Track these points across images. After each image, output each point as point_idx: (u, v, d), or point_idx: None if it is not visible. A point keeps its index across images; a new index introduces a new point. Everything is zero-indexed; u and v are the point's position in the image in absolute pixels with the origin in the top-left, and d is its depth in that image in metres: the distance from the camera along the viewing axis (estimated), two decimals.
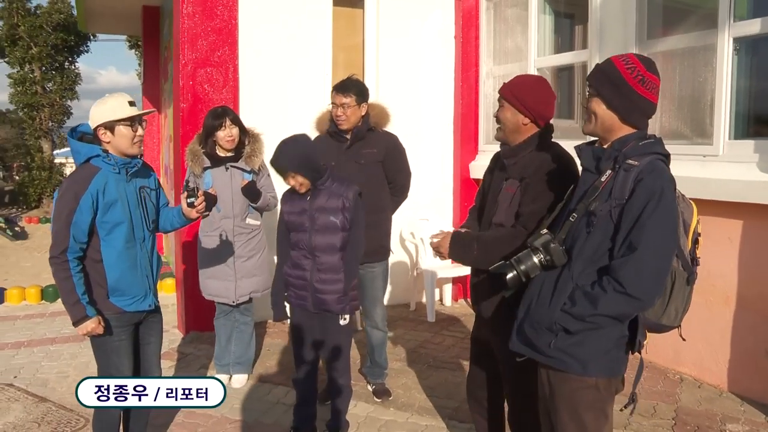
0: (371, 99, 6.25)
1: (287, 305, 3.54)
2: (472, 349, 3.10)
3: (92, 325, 2.86)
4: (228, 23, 5.57)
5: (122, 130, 2.88)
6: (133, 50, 19.85)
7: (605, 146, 2.26)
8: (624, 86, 2.18)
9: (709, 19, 4.36)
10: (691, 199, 2.28)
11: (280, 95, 5.85)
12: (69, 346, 5.31)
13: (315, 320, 3.40)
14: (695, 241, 2.23)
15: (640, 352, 2.25)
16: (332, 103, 3.94)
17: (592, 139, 2.36)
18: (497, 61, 6.57)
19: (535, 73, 5.95)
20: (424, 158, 6.55)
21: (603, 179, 2.19)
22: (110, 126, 2.87)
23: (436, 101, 6.70)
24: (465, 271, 6.21)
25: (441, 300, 6.67)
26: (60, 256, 2.82)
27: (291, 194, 3.43)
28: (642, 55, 2.27)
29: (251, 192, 4.14)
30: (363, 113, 3.97)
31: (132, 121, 2.91)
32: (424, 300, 6.36)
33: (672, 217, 2.10)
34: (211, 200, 3.25)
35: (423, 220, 6.51)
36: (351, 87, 3.91)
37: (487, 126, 6.63)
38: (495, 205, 2.78)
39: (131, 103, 2.93)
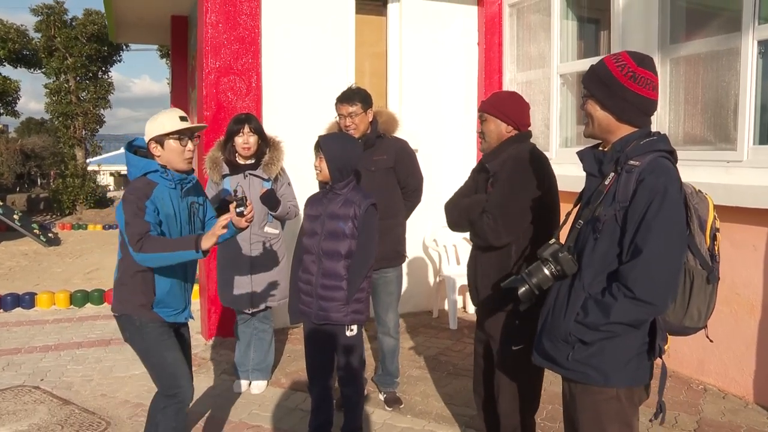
0: (393, 107, 6.34)
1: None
2: (475, 350, 3.19)
3: (213, 235, 2.81)
4: (251, 32, 5.65)
5: (171, 144, 2.91)
6: (164, 59, 20.22)
7: (606, 149, 2.22)
8: (615, 84, 2.13)
9: (733, 22, 4.28)
10: (714, 206, 2.21)
11: (304, 103, 5.90)
12: (94, 351, 5.41)
13: (318, 329, 3.40)
14: (713, 237, 2.16)
15: (661, 358, 2.19)
16: (339, 114, 3.96)
17: (596, 142, 2.32)
18: (520, 67, 6.55)
19: (558, 79, 5.93)
20: (447, 165, 6.54)
21: (606, 183, 2.15)
22: (160, 140, 2.90)
23: (460, 108, 6.70)
24: None
25: (464, 307, 6.64)
26: (142, 238, 2.76)
27: (313, 199, 3.47)
28: (636, 52, 2.21)
29: (270, 200, 4.14)
30: (370, 119, 4.00)
31: (181, 135, 2.93)
32: (446, 307, 6.34)
33: (678, 215, 2.04)
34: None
35: (445, 227, 6.48)
36: (354, 95, 3.93)
37: None
38: None
39: (182, 118, 2.94)
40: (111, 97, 22.03)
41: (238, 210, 3.08)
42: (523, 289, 2.26)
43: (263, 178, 4.21)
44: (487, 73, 6.65)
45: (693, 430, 3.80)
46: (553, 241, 2.27)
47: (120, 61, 22.37)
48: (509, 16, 6.58)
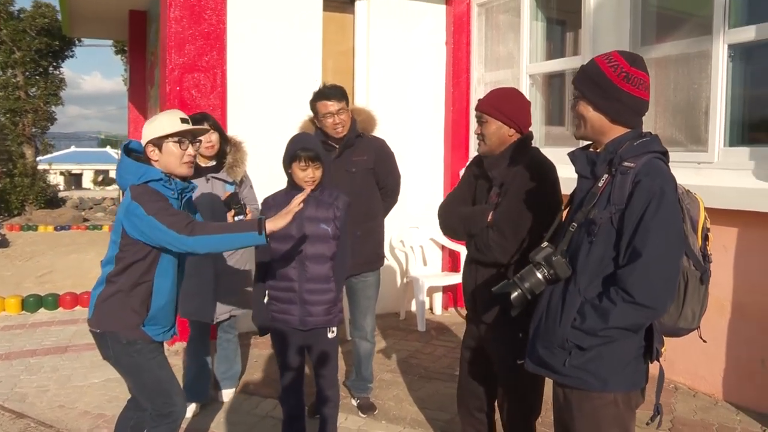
0: (360, 105, 6.25)
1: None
2: (463, 357, 3.05)
3: (289, 212, 2.64)
4: (216, 28, 5.48)
5: (170, 147, 2.71)
6: (119, 55, 19.69)
7: (599, 150, 2.18)
8: (608, 85, 2.09)
9: (704, 25, 4.33)
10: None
11: (269, 101, 5.76)
12: (50, 359, 5.15)
13: (300, 336, 3.27)
14: (705, 237, 2.15)
15: (659, 361, 2.17)
16: (325, 113, 3.78)
17: (586, 143, 2.28)
18: (489, 67, 6.53)
19: (527, 79, 5.92)
20: (414, 165, 6.48)
21: (600, 185, 2.11)
22: (158, 143, 2.71)
23: (427, 108, 6.65)
24: (455, 279, 6.15)
25: (431, 309, 6.59)
26: (189, 222, 2.59)
27: (277, 202, 3.28)
28: (627, 52, 2.17)
29: (234, 204, 3.95)
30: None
31: (181, 138, 2.73)
32: (413, 309, 6.28)
33: (675, 217, 2.01)
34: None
35: (413, 228, 6.44)
36: (338, 92, 3.80)
37: None
38: None
39: (183, 120, 2.74)
40: (62, 93, 21.37)
41: (237, 219, 2.92)
42: (516, 293, 2.19)
43: (227, 182, 4.01)
44: (455, 72, 6.61)
45: (667, 429, 3.82)
46: (545, 244, 2.21)
47: (72, 57, 21.68)
48: (478, 16, 6.56)
